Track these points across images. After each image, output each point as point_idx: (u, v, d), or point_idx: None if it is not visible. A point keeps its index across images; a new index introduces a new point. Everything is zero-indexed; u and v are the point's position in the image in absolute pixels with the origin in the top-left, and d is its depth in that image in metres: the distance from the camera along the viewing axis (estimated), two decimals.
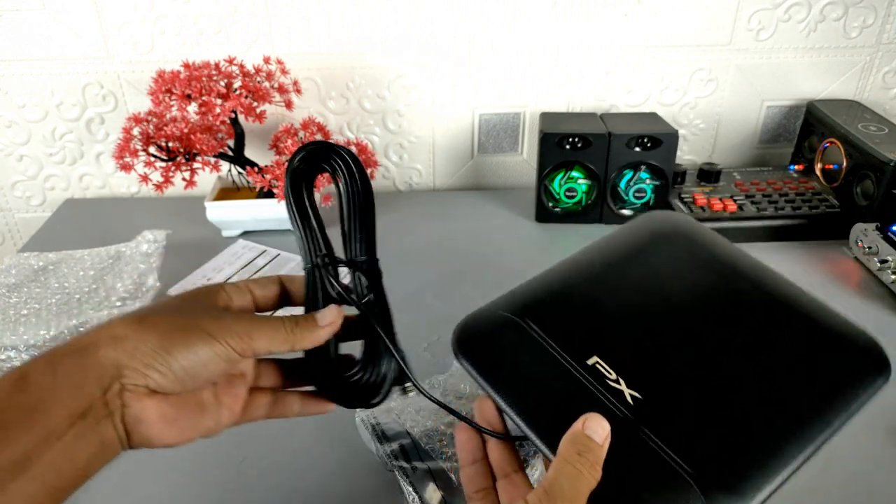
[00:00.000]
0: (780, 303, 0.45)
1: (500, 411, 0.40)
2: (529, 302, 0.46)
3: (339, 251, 0.41)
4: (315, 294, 0.39)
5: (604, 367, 0.40)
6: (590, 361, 0.41)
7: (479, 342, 0.44)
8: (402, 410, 0.52)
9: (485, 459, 0.40)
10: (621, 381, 0.39)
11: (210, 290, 0.38)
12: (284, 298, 0.41)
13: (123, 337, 0.33)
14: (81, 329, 0.64)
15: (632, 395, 0.38)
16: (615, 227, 0.55)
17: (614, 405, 0.38)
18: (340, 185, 0.40)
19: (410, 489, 0.46)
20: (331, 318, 0.38)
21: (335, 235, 0.42)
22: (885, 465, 0.51)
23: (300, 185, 0.40)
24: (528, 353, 0.42)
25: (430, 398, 0.40)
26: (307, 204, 0.40)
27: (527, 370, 0.41)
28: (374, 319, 0.39)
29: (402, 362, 0.39)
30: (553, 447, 0.36)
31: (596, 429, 0.34)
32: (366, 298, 0.40)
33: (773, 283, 0.47)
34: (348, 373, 0.39)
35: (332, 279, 0.39)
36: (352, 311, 0.40)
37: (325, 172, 0.40)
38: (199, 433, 0.36)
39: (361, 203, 0.40)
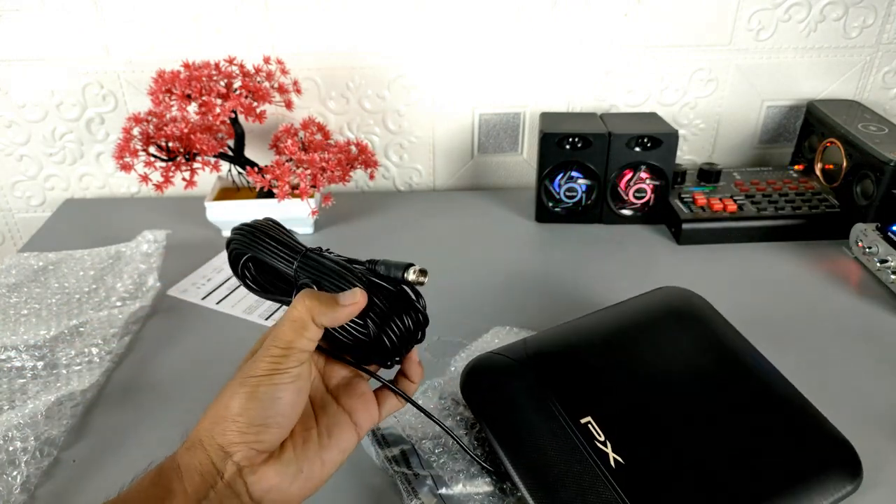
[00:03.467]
0: (771, 396, 0.48)
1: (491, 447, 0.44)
2: (537, 353, 0.50)
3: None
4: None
5: (595, 429, 0.44)
6: (583, 420, 0.44)
7: (482, 384, 0.49)
8: (402, 415, 0.52)
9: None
10: (608, 444, 0.43)
11: (259, 342, 0.41)
12: None
13: (215, 422, 0.36)
14: (82, 329, 0.64)
15: (615, 459, 0.42)
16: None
17: (598, 465, 0.42)
18: None
19: (411, 495, 0.46)
20: (351, 297, 0.39)
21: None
22: None
23: None
24: (526, 400, 0.46)
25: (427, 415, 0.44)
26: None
27: (522, 417, 0.45)
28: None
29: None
30: (532, 491, 0.40)
31: None
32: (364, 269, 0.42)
33: (770, 378, 0.50)
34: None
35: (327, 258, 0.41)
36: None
37: None
38: (326, 472, 0.39)
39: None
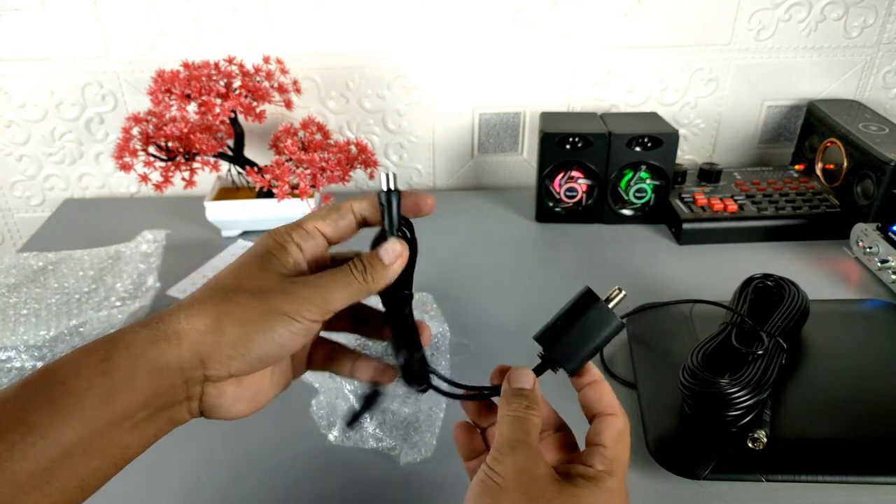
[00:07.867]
0: None
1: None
2: None
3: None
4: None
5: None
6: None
7: None
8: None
9: (485, 451, 0.40)
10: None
11: (279, 248, 0.37)
12: (361, 225, 0.40)
13: (205, 331, 0.33)
14: (81, 329, 0.64)
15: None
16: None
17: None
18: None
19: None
20: (395, 253, 0.38)
21: None
22: None
23: None
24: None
25: (453, 395, 0.41)
26: None
27: None
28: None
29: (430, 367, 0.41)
30: None
31: (520, 379, 0.37)
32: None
33: None
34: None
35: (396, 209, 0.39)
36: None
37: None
38: (269, 400, 0.38)
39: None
